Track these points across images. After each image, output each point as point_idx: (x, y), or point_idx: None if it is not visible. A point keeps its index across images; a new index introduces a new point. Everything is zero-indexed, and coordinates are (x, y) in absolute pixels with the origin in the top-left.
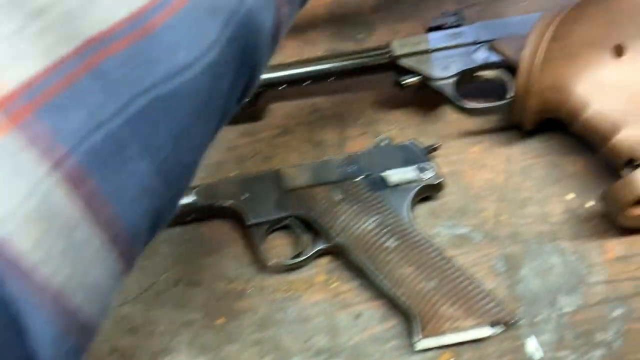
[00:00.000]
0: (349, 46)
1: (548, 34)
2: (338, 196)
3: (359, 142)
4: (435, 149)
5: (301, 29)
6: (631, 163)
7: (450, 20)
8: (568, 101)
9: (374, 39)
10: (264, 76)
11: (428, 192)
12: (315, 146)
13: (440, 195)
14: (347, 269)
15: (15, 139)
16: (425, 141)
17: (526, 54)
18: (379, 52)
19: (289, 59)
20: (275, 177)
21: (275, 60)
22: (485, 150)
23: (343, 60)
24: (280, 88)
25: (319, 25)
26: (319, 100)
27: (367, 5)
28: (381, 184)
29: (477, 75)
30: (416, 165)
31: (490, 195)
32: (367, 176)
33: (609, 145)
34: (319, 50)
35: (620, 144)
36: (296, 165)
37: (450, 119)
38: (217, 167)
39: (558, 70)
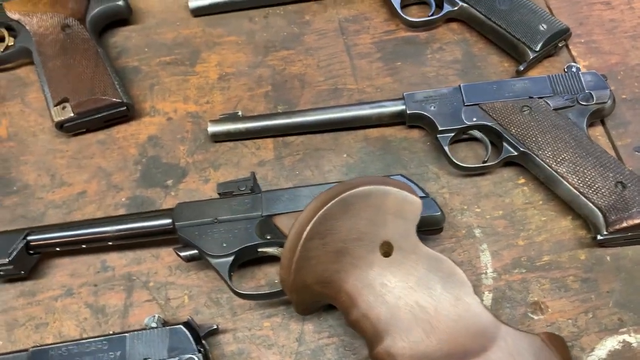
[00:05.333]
0: (155, 192)
1: (305, 233)
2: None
3: (144, 310)
4: (212, 333)
5: (110, 173)
6: None
7: (241, 186)
8: (338, 297)
9: (183, 186)
10: (36, 237)
11: None
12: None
13: None
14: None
15: None
16: (215, 312)
17: (286, 251)
18: (161, 217)
19: (96, 199)
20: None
21: None
22: (278, 327)
23: (122, 223)
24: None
25: (128, 168)
26: (110, 258)
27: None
28: None
29: (260, 251)
30: (178, 358)
31: None
32: None
33: (373, 353)
34: (123, 196)
35: (381, 356)
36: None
37: (245, 288)
38: None
39: (323, 266)
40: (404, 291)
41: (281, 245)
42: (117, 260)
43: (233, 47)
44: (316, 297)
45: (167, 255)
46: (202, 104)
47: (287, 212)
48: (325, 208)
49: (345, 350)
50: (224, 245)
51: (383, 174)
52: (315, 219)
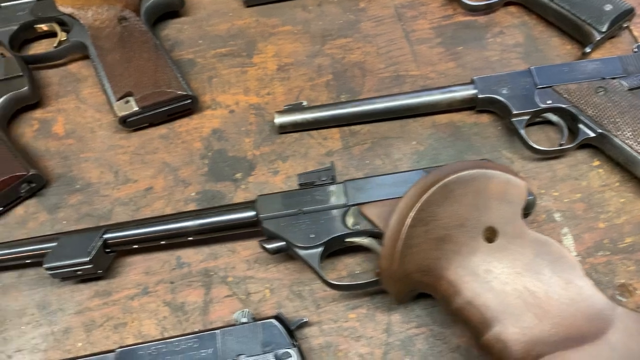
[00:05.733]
0: (225, 186)
1: (409, 220)
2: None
3: (225, 305)
4: (302, 326)
5: (176, 167)
6: None
7: (322, 176)
8: (438, 285)
9: (252, 179)
10: (113, 234)
11: None
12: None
13: None
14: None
15: None
16: (299, 305)
17: (388, 239)
18: (243, 209)
19: (165, 195)
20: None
21: None
22: (364, 318)
23: (204, 218)
24: (134, 247)
25: (195, 162)
26: (185, 254)
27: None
28: None
29: (347, 241)
30: (274, 354)
31: None
32: None
33: (481, 341)
34: (192, 191)
35: (491, 344)
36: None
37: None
38: (63, 334)
39: (425, 253)
40: (510, 277)
41: (371, 234)
42: (193, 256)
43: (289, 36)
44: (414, 286)
45: (243, 249)
46: (264, 95)
47: (374, 201)
48: (427, 194)
49: (435, 340)
50: (312, 236)
51: (458, 160)
52: (417, 205)
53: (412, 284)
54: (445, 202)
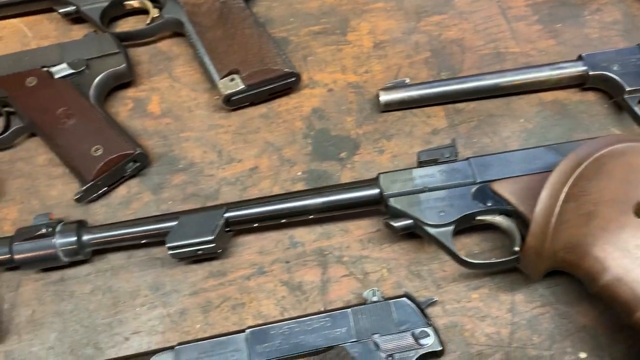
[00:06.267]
0: (331, 166)
1: (562, 195)
2: None
3: (343, 285)
4: (430, 305)
5: (279, 147)
6: None
7: (444, 153)
8: (583, 263)
9: (358, 158)
10: (235, 213)
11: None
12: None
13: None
14: None
15: None
16: (418, 285)
17: (539, 216)
18: (366, 187)
19: (271, 175)
20: None
21: None
22: (487, 298)
23: (327, 196)
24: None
25: (298, 141)
26: (298, 233)
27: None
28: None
29: (478, 219)
30: (411, 332)
31: (495, 354)
32: (355, 342)
33: (633, 318)
34: (298, 170)
35: None
36: None
37: (446, 257)
38: (180, 315)
39: (573, 230)
40: None
41: (503, 212)
42: (306, 235)
43: (382, 13)
44: (554, 265)
45: (355, 228)
46: (361, 73)
47: (505, 178)
48: (580, 168)
49: (561, 319)
50: (442, 213)
51: (565, 139)
52: (571, 180)
53: (554, 262)
54: (596, 177)
